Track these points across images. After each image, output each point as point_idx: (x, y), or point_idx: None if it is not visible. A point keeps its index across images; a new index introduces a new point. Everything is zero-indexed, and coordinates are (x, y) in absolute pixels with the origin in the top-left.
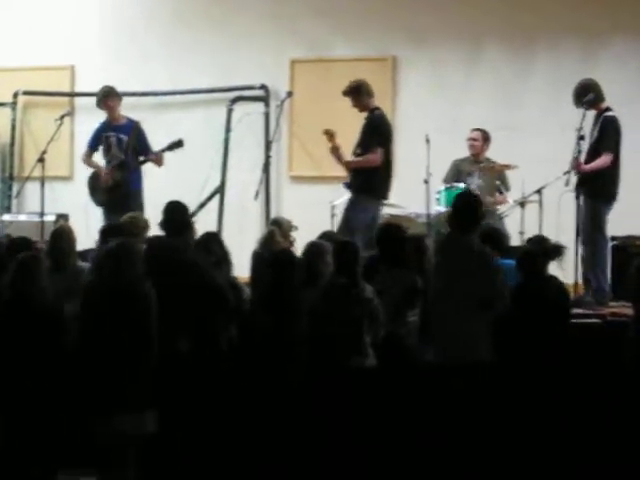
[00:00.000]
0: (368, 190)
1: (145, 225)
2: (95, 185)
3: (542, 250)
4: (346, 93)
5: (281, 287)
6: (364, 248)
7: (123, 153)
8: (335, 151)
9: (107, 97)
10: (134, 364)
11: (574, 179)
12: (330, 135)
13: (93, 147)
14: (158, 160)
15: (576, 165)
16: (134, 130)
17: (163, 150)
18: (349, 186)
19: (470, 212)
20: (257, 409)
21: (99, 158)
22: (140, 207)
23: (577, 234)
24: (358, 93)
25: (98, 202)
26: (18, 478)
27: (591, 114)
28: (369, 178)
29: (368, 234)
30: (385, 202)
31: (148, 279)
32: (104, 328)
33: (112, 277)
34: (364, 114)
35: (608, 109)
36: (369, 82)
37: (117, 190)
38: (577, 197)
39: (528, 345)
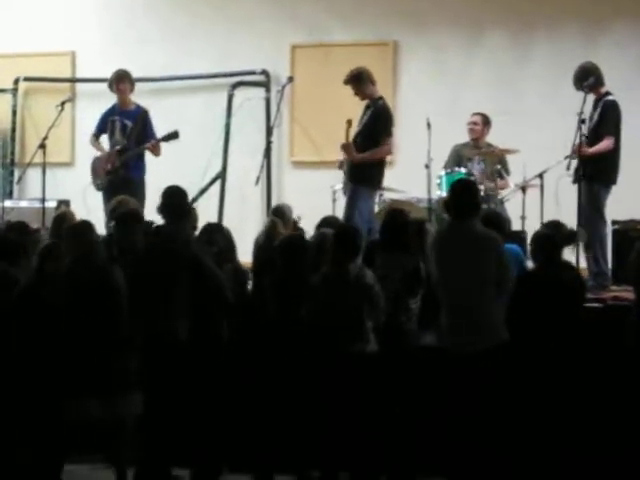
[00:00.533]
0: (369, 181)
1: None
2: (97, 169)
3: (559, 236)
4: (347, 81)
5: (292, 272)
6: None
7: (126, 139)
8: (347, 148)
9: (119, 80)
10: (104, 349)
11: (575, 163)
12: (350, 126)
13: (101, 130)
14: (155, 149)
15: (578, 149)
16: (140, 117)
17: (158, 141)
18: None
19: (469, 198)
20: (259, 395)
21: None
22: (141, 197)
23: (578, 218)
24: (359, 81)
25: (98, 186)
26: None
27: (591, 98)
28: (369, 169)
29: (368, 224)
30: (385, 188)
31: (115, 266)
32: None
33: (77, 265)
34: (356, 103)
35: (608, 93)
36: (370, 67)
37: (116, 175)
38: (577, 181)
39: (543, 329)
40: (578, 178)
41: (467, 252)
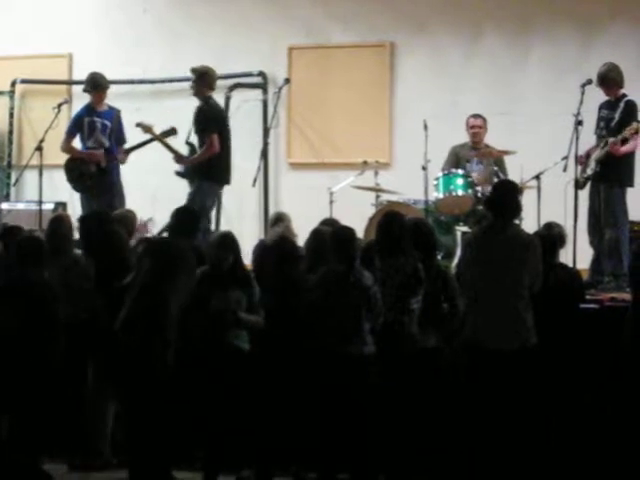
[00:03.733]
0: (211, 176)
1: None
2: (82, 170)
3: (555, 237)
4: (193, 71)
5: (285, 277)
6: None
7: (107, 139)
8: (180, 159)
9: (102, 90)
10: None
11: (593, 165)
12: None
13: (74, 133)
14: (122, 158)
15: (612, 148)
16: (116, 118)
17: (156, 138)
18: (184, 175)
19: (512, 198)
20: (257, 396)
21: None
22: (122, 198)
23: (575, 220)
24: (201, 79)
25: (81, 188)
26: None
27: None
28: (209, 165)
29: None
30: (383, 190)
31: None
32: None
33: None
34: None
35: (625, 94)
36: (367, 69)
37: (103, 177)
38: (595, 182)
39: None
40: (597, 179)
41: (506, 253)
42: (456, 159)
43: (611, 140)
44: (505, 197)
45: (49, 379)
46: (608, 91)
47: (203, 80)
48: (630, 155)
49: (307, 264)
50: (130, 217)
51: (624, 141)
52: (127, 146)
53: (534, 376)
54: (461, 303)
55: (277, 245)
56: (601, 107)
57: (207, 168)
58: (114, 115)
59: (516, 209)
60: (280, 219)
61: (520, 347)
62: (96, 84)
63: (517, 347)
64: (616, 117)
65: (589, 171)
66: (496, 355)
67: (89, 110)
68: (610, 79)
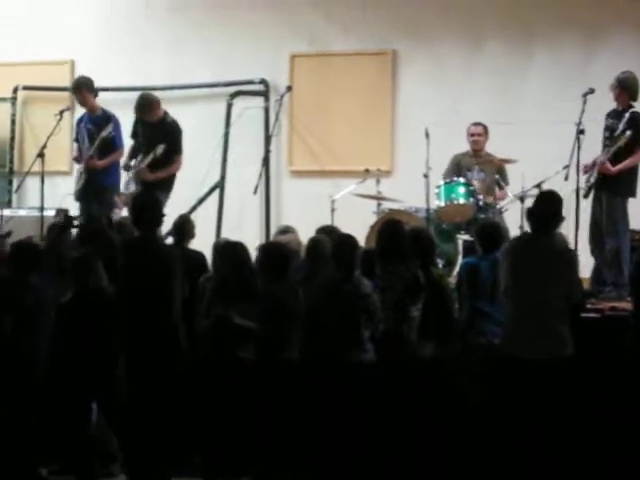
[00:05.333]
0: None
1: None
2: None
3: None
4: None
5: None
6: None
7: (89, 145)
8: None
9: (73, 94)
10: None
11: (596, 174)
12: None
13: (77, 140)
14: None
15: (602, 169)
16: (103, 123)
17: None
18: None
19: (554, 209)
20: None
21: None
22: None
23: (576, 229)
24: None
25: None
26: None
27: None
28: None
29: None
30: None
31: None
32: None
33: None
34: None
35: (633, 106)
36: (368, 77)
37: (88, 183)
38: (597, 191)
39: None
40: (599, 189)
41: (545, 263)
42: (457, 167)
43: (599, 160)
44: (547, 208)
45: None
46: (618, 97)
47: None
48: (633, 166)
49: (305, 272)
50: (129, 225)
51: (619, 154)
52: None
53: (570, 387)
54: (455, 312)
55: (262, 252)
56: (608, 115)
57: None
58: (103, 120)
59: (556, 220)
60: (289, 230)
61: (555, 358)
62: (83, 87)
63: (551, 357)
64: (620, 127)
65: (592, 180)
66: (530, 365)
67: (82, 116)
68: (627, 86)
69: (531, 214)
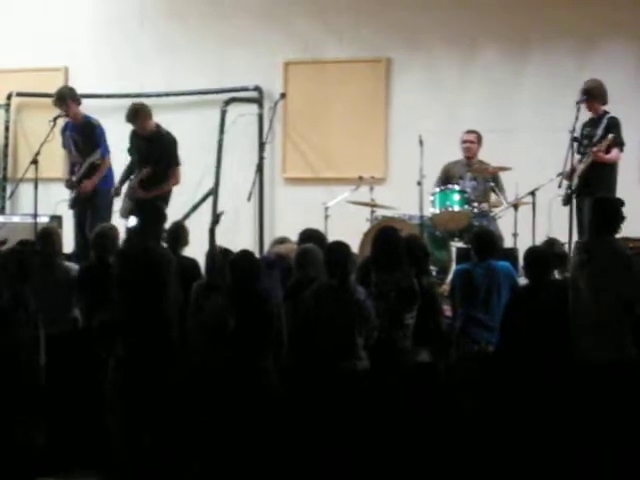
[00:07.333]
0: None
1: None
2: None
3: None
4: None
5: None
6: None
7: (75, 152)
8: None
9: (56, 106)
10: None
11: (576, 181)
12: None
13: (63, 146)
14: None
15: (595, 155)
16: (86, 130)
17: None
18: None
19: (614, 215)
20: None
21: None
22: (106, 206)
23: (570, 236)
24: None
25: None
26: None
27: (584, 116)
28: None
29: None
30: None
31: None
32: None
33: None
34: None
35: (607, 111)
36: (363, 84)
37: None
38: (572, 199)
39: (535, 345)
40: (580, 195)
41: (607, 269)
42: (446, 177)
43: (594, 149)
44: (608, 213)
45: None
46: (590, 106)
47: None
48: (612, 170)
49: (295, 280)
50: (111, 234)
51: (607, 152)
52: None
53: (632, 389)
54: (443, 321)
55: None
56: (585, 125)
57: None
58: (86, 127)
59: (617, 224)
60: (286, 240)
61: (616, 360)
62: (68, 97)
63: (612, 360)
64: (599, 133)
65: (573, 187)
66: (593, 368)
67: (66, 124)
68: (596, 95)
69: (593, 221)
